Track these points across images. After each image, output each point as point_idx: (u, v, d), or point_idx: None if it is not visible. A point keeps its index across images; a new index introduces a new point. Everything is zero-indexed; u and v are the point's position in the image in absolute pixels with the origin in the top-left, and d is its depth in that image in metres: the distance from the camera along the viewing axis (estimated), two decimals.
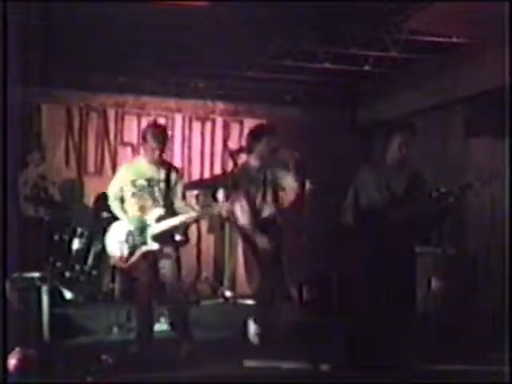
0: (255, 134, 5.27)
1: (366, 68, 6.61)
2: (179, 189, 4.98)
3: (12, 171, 6.76)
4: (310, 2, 5.13)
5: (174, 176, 4.97)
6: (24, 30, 5.28)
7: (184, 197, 5.03)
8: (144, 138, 4.89)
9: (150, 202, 4.89)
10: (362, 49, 6.22)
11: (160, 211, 4.86)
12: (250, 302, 5.67)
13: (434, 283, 5.83)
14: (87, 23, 5.57)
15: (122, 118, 7.72)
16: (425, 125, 6.78)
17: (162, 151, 4.88)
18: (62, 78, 7.00)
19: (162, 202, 4.89)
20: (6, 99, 3.67)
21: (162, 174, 4.92)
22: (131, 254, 4.90)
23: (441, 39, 5.89)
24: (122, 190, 4.97)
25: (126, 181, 4.93)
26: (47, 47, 6.06)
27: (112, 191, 5.03)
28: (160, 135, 4.86)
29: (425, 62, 6.63)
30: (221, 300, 6.80)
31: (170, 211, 4.92)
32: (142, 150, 5.07)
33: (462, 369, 4.46)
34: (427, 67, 6.73)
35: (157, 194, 4.90)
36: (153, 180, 4.90)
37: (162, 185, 4.91)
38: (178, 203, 4.97)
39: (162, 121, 7.60)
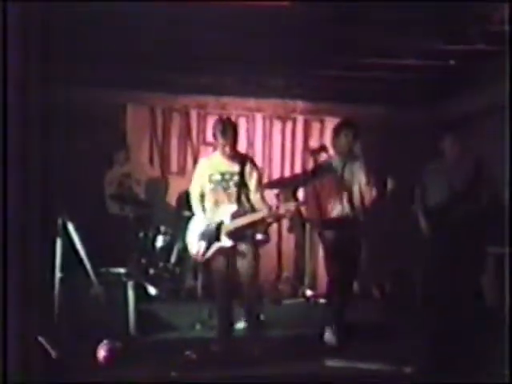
0: (334, 129, 5.40)
1: (452, 62, 6.44)
2: (253, 181, 4.93)
3: (98, 170, 7.07)
4: None
5: (248, 168, 4.94)
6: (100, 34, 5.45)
7: (259, 189, 4.97)
8: (214, 135, 4.89)
9: (224, 197, 4.91)
10: (447, 43, 6.07)
11: (233, 207, 4.87)
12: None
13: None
14: (165, 24, 5.68)
15: (204, 119, 7.82)
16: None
17: (232, 145, 4.85)
18: (146, 79, 7.17)
19: (235, 196, 4.88)
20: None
21: (236, 168, 4.91)
22: (207, 249, 4.95)
23: None
24: (202, 185, 5.03)
25: (205, 176, 4.99)
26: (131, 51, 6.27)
27: (194, 188, 5.11)
28: (227, 130, 4.81)
29: None
30: (302, 299, 6.80)
31: (246, 205, 4.92)
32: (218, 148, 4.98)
33: None
34: None
35: (231, 188, 4.90)
36: (227, 174, 4.91)
37: (237, 178, 4.89)
38: (253, 196, 4.93)
39: (242, 120, 7.71)
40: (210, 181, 4.94)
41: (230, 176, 4.91)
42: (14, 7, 3.09)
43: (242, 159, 4.99)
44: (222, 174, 4.92)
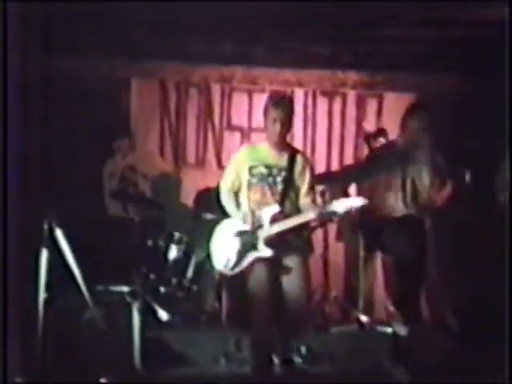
0: (408, 108, 5.62)
1: None
2: (306, 181, 5.05)
3: (95, 161, 7.05)
4: None
5: (300, 165, 5.04)
6: None
7: (311, 191, 5.10)
8: (265, 114, 4.99)
9: (269, 196, 4.96)
10: None
11: (276, 208, 4.90)
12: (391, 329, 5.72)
13: None
14: None
15: (229, 95, 7.79)
16: None
17: (287, 130, 4.99)
18: (155, 45, 7.12)
19: (281, 197, 4.93)
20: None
21: (285, 162, 5.01)
22: (239, 259, 4.98)
23: None
24: (238, 179, 5.09)
25: (244, 167, 5.03)
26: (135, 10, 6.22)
27: (226, 181, 5.15)
28: (285, 108, 4.94)
29: None
30: (355, 326, 6.71)
31: (293, 209, 4.99)
32: (265, 131, 5.12)
33: None
34: None
35: (279, 186, 4.97)
36: (275, 168, 4.98)
37: (286, 175, 4.97)
38: (303, 199, 5.04)
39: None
40: (251, 174, 5.00)
41: (279, 171, 4.99)
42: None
43: (293, 152, 5.09)
44: (269, 168, 4.99)
